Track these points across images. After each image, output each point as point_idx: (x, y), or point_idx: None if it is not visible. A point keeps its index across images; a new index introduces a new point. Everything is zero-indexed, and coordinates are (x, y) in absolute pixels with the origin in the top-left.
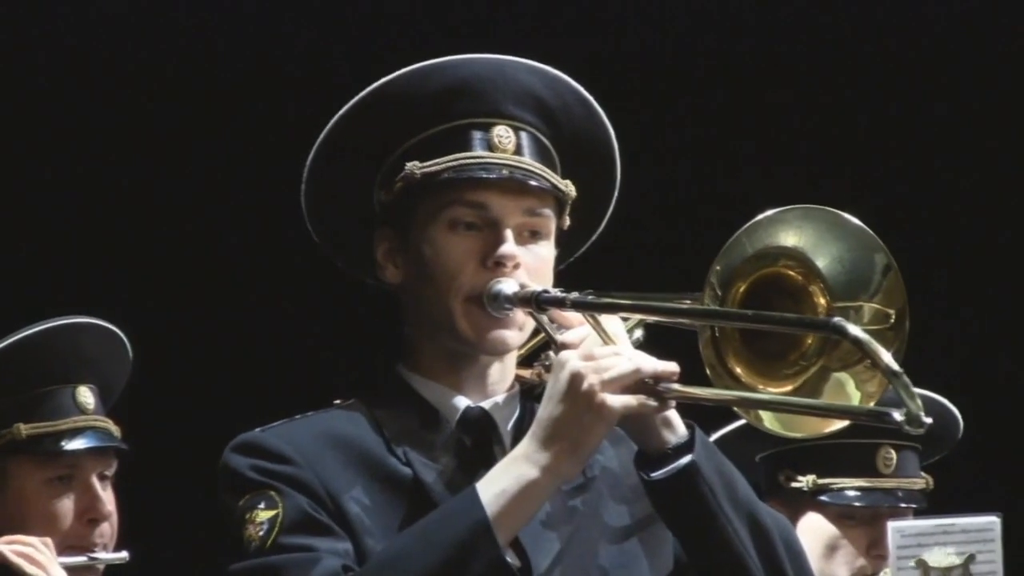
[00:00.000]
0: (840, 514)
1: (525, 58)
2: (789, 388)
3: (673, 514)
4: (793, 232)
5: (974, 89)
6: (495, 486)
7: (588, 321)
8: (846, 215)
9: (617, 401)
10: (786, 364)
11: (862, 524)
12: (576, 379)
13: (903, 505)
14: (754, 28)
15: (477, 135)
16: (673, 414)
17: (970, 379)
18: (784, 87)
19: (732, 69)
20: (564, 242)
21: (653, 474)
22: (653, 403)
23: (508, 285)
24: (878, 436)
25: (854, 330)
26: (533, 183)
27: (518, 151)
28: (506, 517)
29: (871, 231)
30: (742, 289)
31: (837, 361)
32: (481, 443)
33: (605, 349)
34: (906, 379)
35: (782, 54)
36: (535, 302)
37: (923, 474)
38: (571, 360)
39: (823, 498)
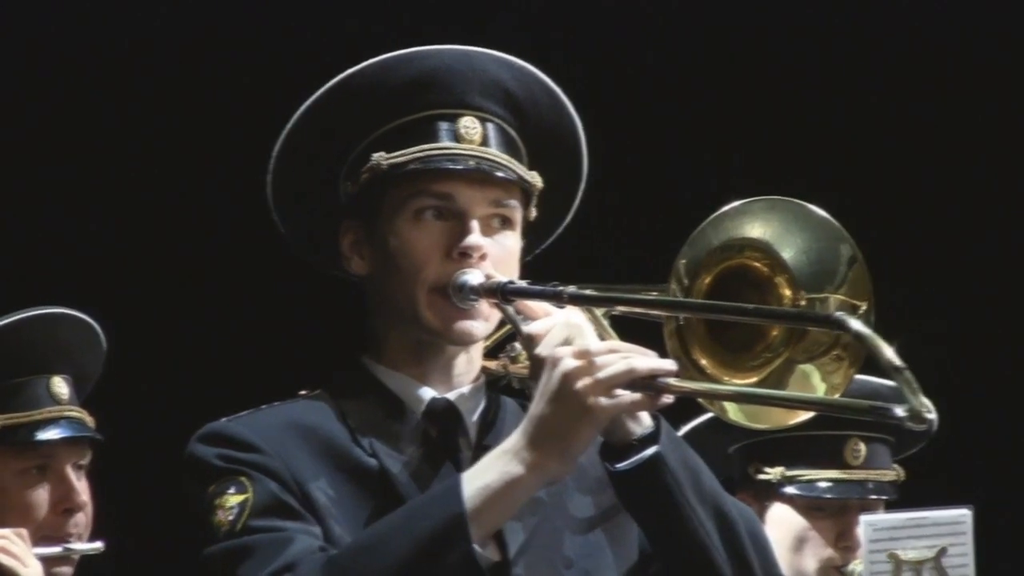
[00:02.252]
0: (809, 506)
1: (491, 49)
2: (754, 379)
3: (638, 505)
4: (759, 223)
5: (940, 84)
6: (479, 480)
7: (586, 315)
8: (811, 206)
9: (608, 403)
10: (751, 356)
11: (831, 516)
12: (568, 379)
13: (873, 497)
14: (717, 21)
15: (444, 126)
16: None
17: (942, 372)
18: (751, 78)
19: (698, 62)
20: (530, 233)
21: (618, 465)
22: (646, 402)
23: (474, 276)
24: (847, 428)
25: (856, 324)
26: (500, 174)
27: (485, 142)
28: (485, 512)
29: (836, 222)
30: (707, 280)
31: (802, 353)
32: (446, 434)
33: (600, 346)
34: (909, 374)
35: (746, 46)
36: (501, 293)
37: (894, 466)
38: (564, 359)
39: (791, 490)
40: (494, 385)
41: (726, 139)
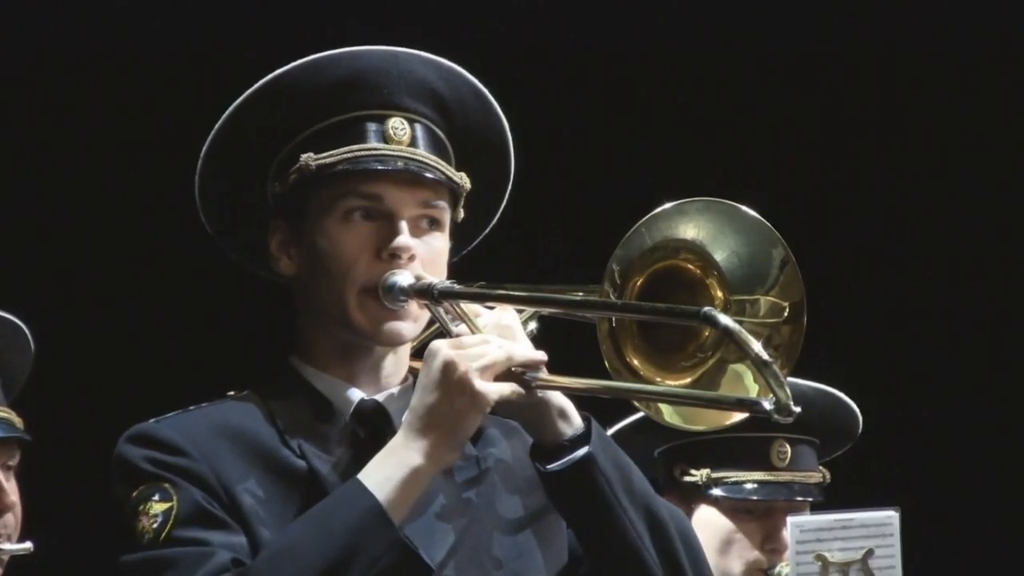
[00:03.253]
0: (734, 508)
1: (419, 50)
2: (687, 380)
3: (569, 506)
4: (692, 224)
5: (874, 80)
6: (378, 473)
7: (455, 311)
8: (745, 208)
9: (490, 388)
10: (684, 356)
11: (757, 518)
12: (449, 367)
13: (799, 499)
14: (649, 15)
15: (372, 127)
16: (568, 406)
17: (869, 373)
18: (685, 76)
19: (631, 61)
20: (458, 235)
21: (549, 466)
22: (523, 390)
23: (403, 277)
24: (772, 429)
25: (724, 319)
26: (428, 175)
27: (413, 143)
28: (395, 502)
29: (769, 225)
30: (640, 282)
31: (734, 353)
32: (375, 435)
33: (474, 338)
34: (775, 368)
35: (680, 42)
36: (431, 294)
37: (820, 468)
38: (443, 349)
39: (717, 491)
40: None
41: (658, 138)
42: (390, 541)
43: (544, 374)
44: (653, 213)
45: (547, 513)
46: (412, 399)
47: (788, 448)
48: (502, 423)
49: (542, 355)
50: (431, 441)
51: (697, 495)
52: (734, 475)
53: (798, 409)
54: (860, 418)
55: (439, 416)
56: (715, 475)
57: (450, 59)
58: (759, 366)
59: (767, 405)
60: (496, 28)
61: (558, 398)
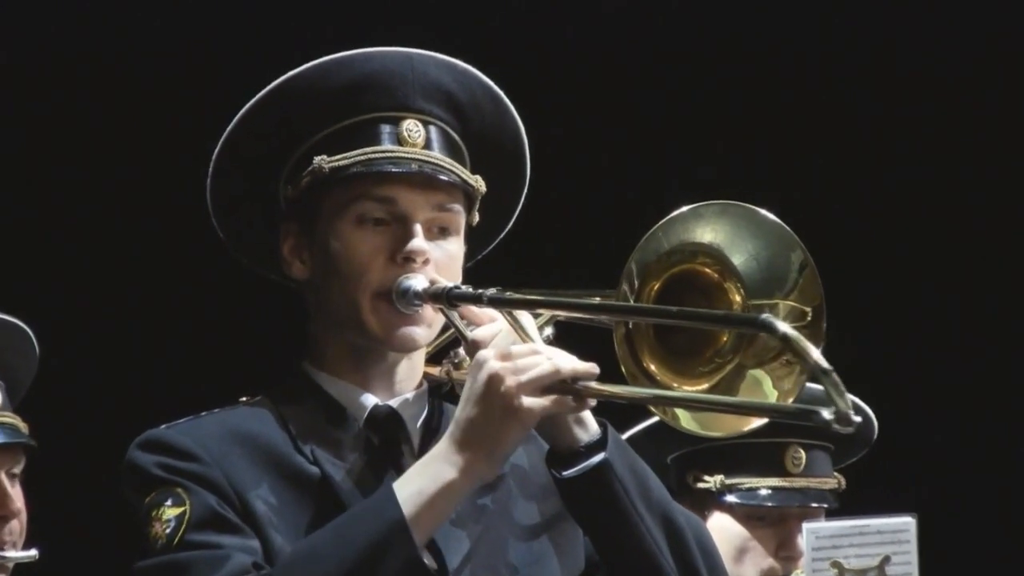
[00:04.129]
0: (748, 514)
1: (431, 51)
2: (705, 386)
3: (585, 513)
4: (710, 228)
5: (893, 84)
6: (412, 485)
7: (506, 319)
8: (763, 211)
9: (535, 403)
10: (701, 361)
11: (771, 524)
12: (494, 380)
13: (813, 505)
14: (668, 20)
15: (386, 129)
16: (585, 412)
17: (886, 377)
18: (705, 79)
19: (649, 65)
20: (472, 238)
21: (565, 472)
22: (572, 403)
23: (418, 281)
24: (786, 435)
25: (783, 326)
26: (443, 178)
27: (427, 145)
28: (423, 517)
29: (788, 228)
30: (656, 286)
31: (753, 358)
32: (389, 442)
33: (523, 348)
34: (836, 377)
35: (699, 46)
36: (446, 298)
37: (835, 474)
38: (489, 361)
39: (731, 498)
40: (437, 391)
41: (676, 141)
42: (408, 559)
43: (594, 384)
44: (670, 216)
45: (563, 520)
46: (457, 410)
47: (803, 454)
48: None
49: (593, 367)
50: (470, 456)
51: (710, 502)
52: (748, 481)
53: (859, 419)
54: (875, 424)
55: (480, 431)
56: (729, 481)
57: (462, 60)
58: (819, 374)
59: (827, 415)
60: (508, 28)
61: None
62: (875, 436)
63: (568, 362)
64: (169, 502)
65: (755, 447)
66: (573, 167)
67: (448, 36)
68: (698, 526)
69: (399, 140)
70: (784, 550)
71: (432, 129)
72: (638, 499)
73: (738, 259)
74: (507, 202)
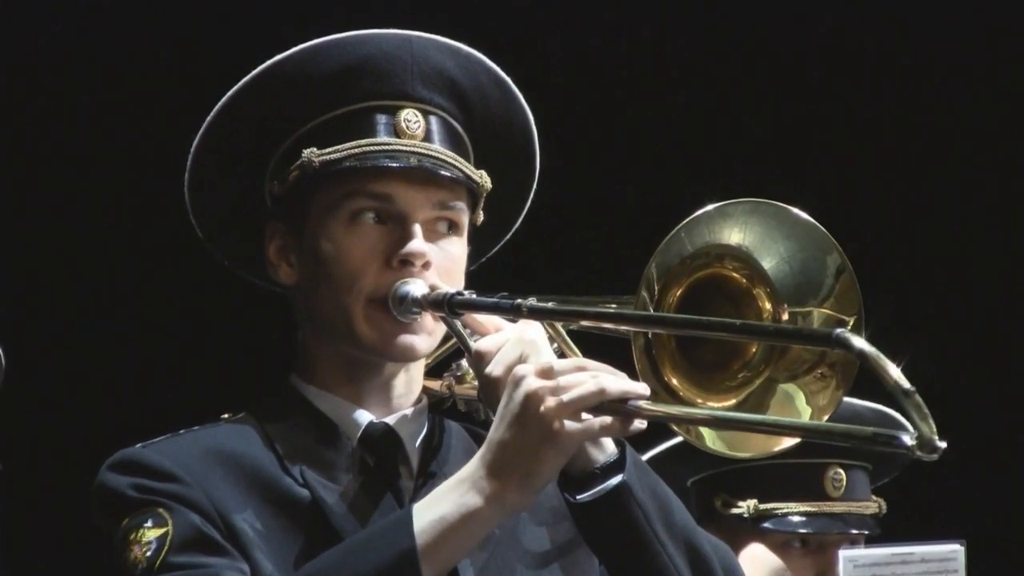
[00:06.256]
0: (785, 542)
1: (436, 35)
2: (732, 402)
3: (601, 539)
4: (738, 228)
5: (926, 81)
6: (433, 511)
7: (548, 331)
8: (796, 210)
9: (577, 428)
10: (727, 375)
11: (809, 553)
12: (531, 400)
13: (854, 531)
14: (684, 13)
15: (382, 119)
16: None
17: (931, 392)
18: (726, 72)
19: (668, 59)
20: (476, 239)
21: (579, 496)
22: (618, 427)
23: (417, 287)
24: (825, 455)
25: (859, 343)
26: (444, 173)
27: (427, 138)
28: (439, 547)
29: (823, 229)
30: (679, 292)
31: (784, 371)
32: (385, 462)
33: (566, 363)
34: (918, 398)
35: (719, 40)
36: (448, 305)
37: (875, 497)
38: (527, 377)
39: (766, 525)
40: (437, 408)
41: (700, 135)
42: None
43: (645, 404)
44: (694, 216)
45: (576, 546)
46: (491, 430)
47: (843, 475)
48: None
49: (643, 387)
50: (500, 482)
51: (743, 529)
52: (784, 506)
53: (944, 445)
54: None
55: (514, 455)
56: (763, 507)
57: (466, 43)
58: (900, 395)
59: (908, 440)
60: (516, 13)
61: None
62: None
63: (614, 381)
64: (149, 523)
65: (791, 468)
66: (586, 162)
67: (453, 19)
68: (726, 554)
69: (396, 131)
70: None
71: (432, 119)
72: (659, 525)
73: (769, 263)
74: (514, 200)
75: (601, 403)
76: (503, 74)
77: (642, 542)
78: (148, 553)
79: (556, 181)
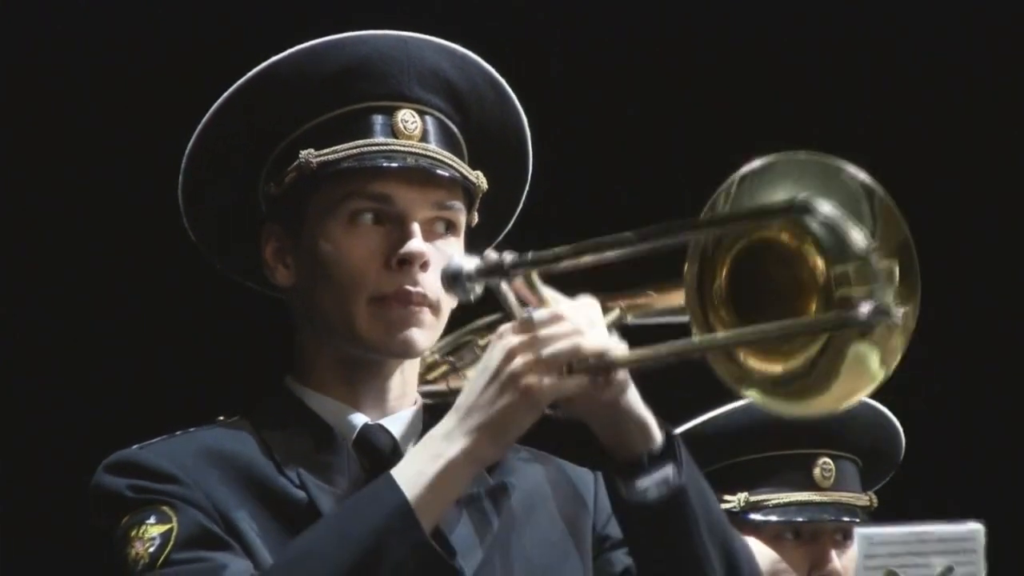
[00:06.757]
0: (778, 533)
1: (432, 36)
2: (793, 365)
3: (647, 541)
4: (788, 185)
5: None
6: (411, 467)
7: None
8: (843, 163)
9: (549, 384)
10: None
11: (803, 544)
12: (507, 356)
13: (847, 519)
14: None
15: (379, 120)
16: (649, 419)
17: (955, 370)
18: (722, 79)
19: (667, 59)
20: (470, 241)
21: (635, 490)
22: (596, 383)
23: (467, 261)
24: (814, 446)
25: (824, 206)
26: (442, 172)
27: (424, 138)
28: (426, 499)
29: (869, 179)
30: (725, 270)
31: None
32: (382, 464)
33: (544, 315)
34: (881, 263)
35: (717, 46)
36: (501, 269)
37: (867, 492)
38: (507, 334)
39: (757, 516)
40: (433, 409)
41: (699, 135)
42: (415, 544)
43: (620, 352)
44: (740, 172)
45: (576, 545)
46: (468, 383)
47: (832, 465)
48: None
49: (620, 347)
50: (472, 434)
51: (735, 523)
52: (775, 497)
53: (901, 310)
54: (903, 440)
55: (485, 408)
56: (753, 499)
57: (463, 45)
58: (862, 258)
59: (864, 308)
60: (509, 14)
61: (638, 409)
62: (901, 455)
63: (594, 338)
64: (152, 519)
65: (779, 460)
66: (586, 162)
67: (447, 20)
68: (751, 559)
69: (394, 132)
70: (818, 570)
71: (429, 120)
72: (705, 530)
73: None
74: (506, 202)
75: (577, 360)
76: (498, 76)
77: (689, 548)
78: (151, 549)
79: (556, 181)
